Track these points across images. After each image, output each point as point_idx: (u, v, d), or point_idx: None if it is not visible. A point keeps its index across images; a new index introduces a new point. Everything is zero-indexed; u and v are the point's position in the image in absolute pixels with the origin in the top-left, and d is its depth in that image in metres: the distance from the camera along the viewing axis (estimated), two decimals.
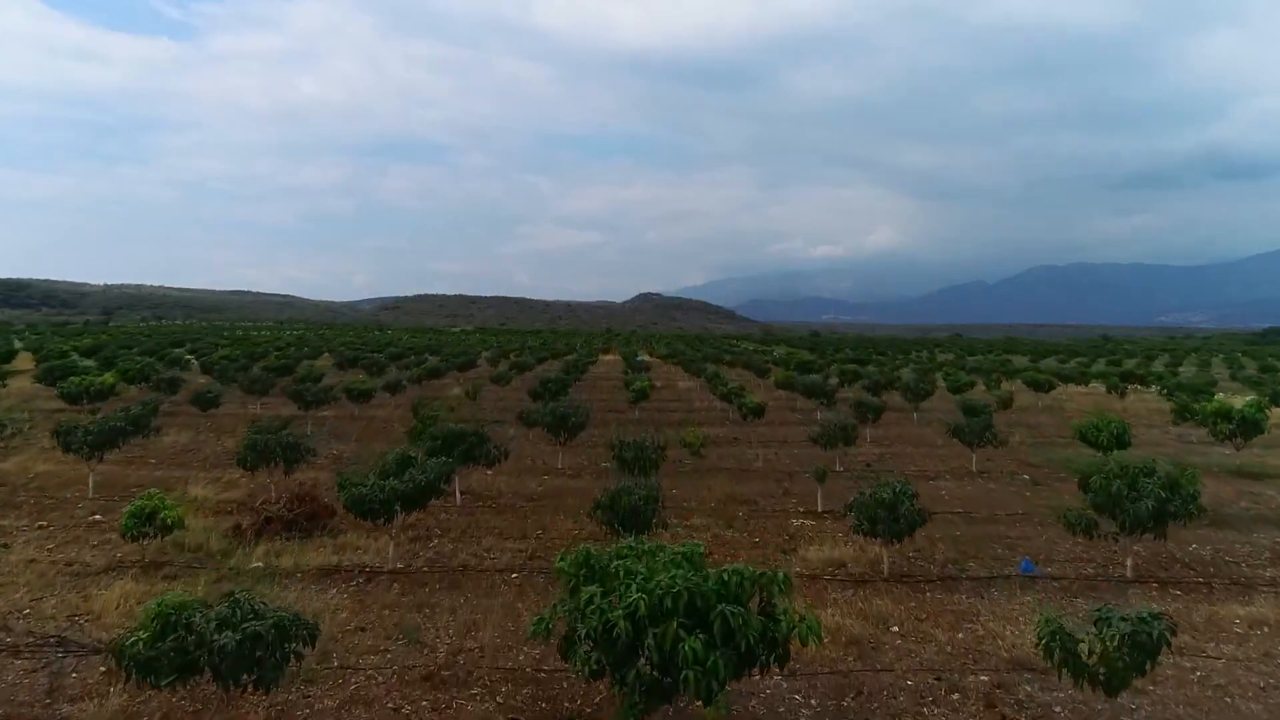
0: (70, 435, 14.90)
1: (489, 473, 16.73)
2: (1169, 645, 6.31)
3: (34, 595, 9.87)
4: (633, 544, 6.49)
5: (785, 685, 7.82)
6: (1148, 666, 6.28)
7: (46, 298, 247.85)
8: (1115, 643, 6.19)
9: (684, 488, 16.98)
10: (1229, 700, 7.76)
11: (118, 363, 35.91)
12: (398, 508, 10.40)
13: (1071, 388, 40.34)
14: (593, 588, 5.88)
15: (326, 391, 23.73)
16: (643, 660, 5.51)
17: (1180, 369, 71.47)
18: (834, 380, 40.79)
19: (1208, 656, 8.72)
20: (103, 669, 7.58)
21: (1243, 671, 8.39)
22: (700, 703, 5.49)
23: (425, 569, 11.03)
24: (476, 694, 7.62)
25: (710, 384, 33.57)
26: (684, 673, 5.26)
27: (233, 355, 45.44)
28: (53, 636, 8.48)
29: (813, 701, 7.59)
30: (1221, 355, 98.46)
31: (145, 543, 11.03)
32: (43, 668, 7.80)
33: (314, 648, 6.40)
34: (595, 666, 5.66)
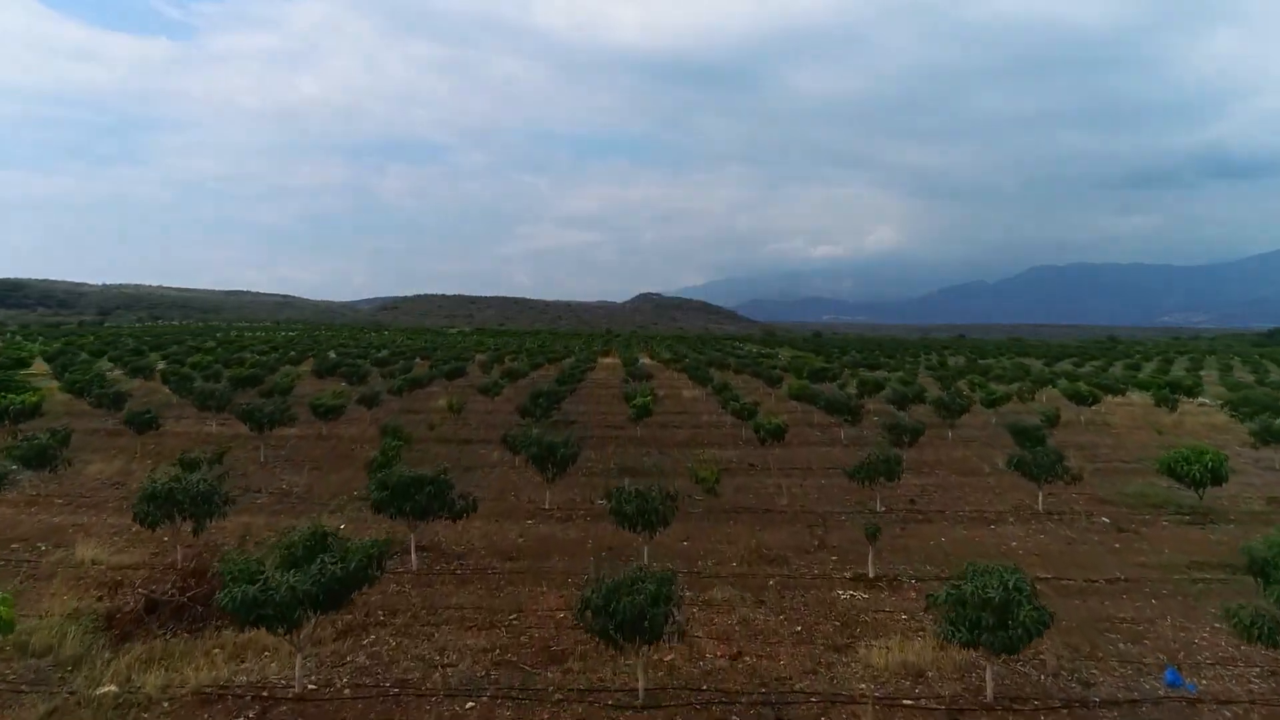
0: None
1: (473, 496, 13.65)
2: None
3: None
4: None
5: None
6: None
7: (43, 298, 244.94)
8: None
9: (697, 537, 13.91)
10: None
11: (71, 371, 32.81)
12: (305, 612, 7.32)
13: (1108, 397, 37.24)
14: None
15: (284, 410, 20.60)
16: None
17: (1202, 373, 68.51)
18: (852, 389, 37.74)
19: None
20: None
21: None
22: None
23: (348, 692, 7.94)
24: None
25: (719, 396, 30.50)
26: None
27: (204, 361, 42.28)
28: None
29: None
30: (1239, 358, 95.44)
31: None
32: None
33: None
34: None
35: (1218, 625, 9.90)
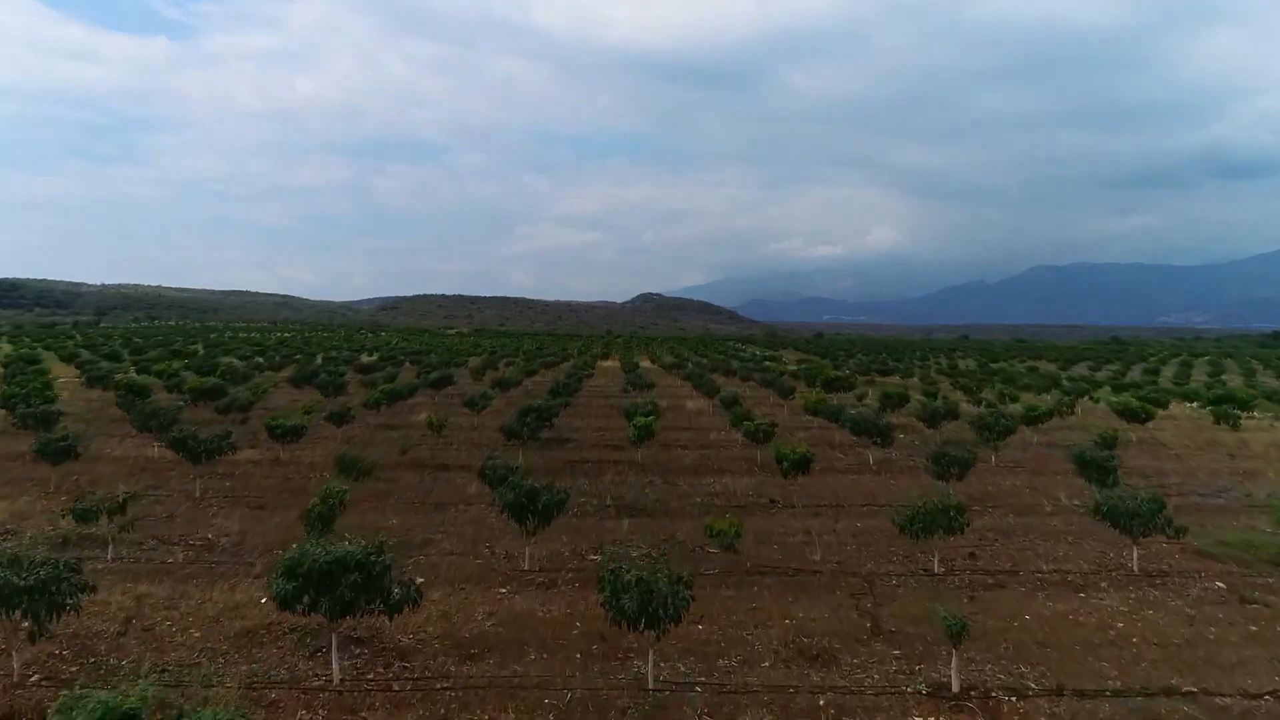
0: None
1: (418, 581, 10.62)
2: None
3: None
4: None
5: None
6: None
7: (40, 298, 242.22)
8: None
9: (715, 614, 10.88)
10: None
11: (13, 382, 29.75)
12: None
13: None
14: None
15: (224, 439, 17.52)
16: None
17: (1224, 378, 65.46)
18: (870, 400, 34.73)
19: None
20: None
21: None
22: None
23: None
24: None
25: (729, 411, 27.48)
26: None
27: (172, 369, 39.18)
28: None
29: None
30: (1259, 362, 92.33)
31: None
32: None
33: None
34: None
35: None
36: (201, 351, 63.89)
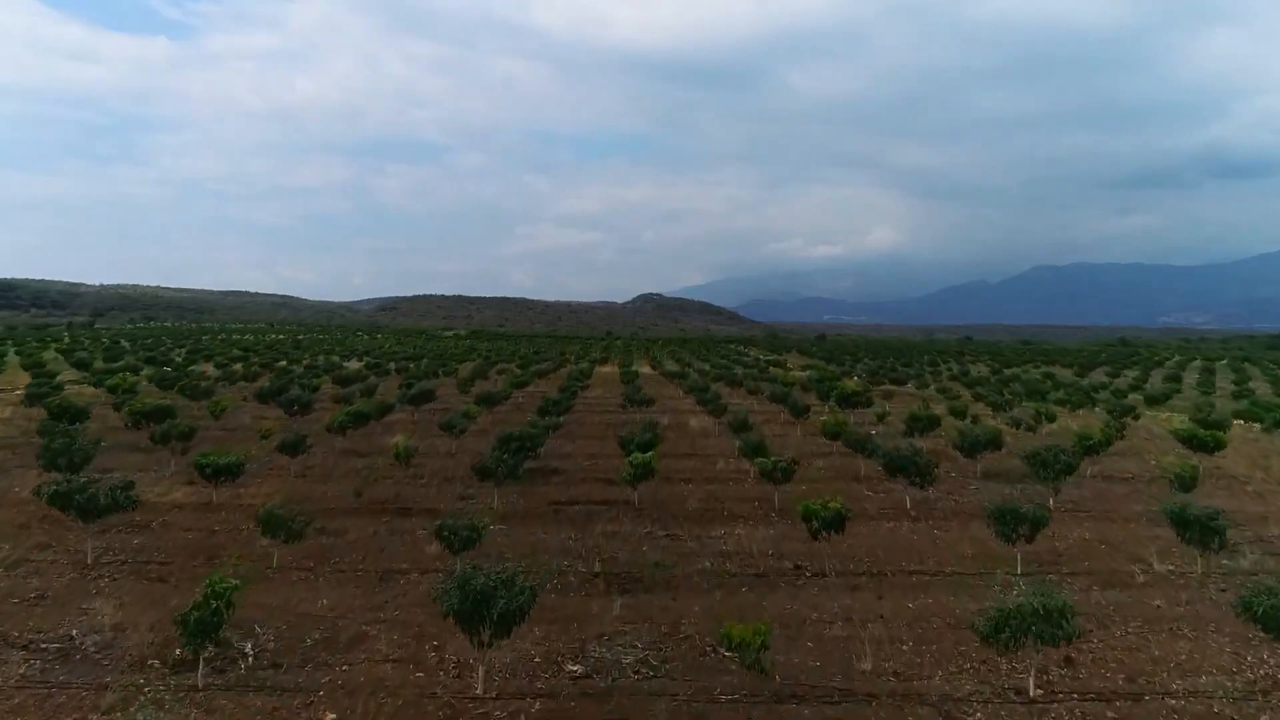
0: None
1: None
2: None
3: None
4: None
5: None
6: None
7: (36, 298, 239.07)
8: None
9: None
10: None
11: None
12: None
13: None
14: None
15: (123, 493, 14.15)
16: None
17: (1251, 385, 62.13)
18: (889, 417, 31.46)
19: None
20: None
21: None
22: None
23: None
24: None
25: (737, 436, 24.21)
26: None
27: (127, 383, 35.75)
28: None
29: None
30: (1272, 364, 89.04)
31: None
32: None
33: None
34: None
35: None
36: (181, 358, 60.49)
